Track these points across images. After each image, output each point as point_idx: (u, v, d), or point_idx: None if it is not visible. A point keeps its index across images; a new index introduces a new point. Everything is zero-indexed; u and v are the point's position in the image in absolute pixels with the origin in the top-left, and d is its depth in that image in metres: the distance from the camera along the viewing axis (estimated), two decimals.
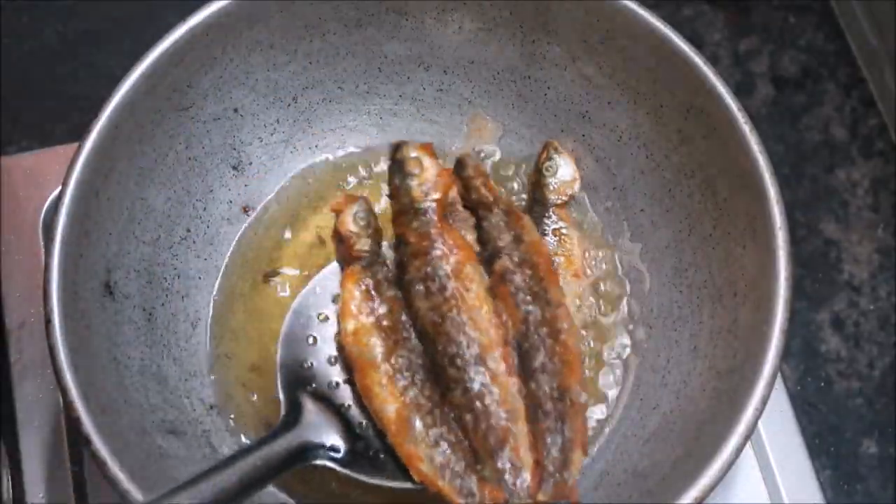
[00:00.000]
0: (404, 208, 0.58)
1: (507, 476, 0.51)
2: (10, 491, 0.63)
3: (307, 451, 0.54)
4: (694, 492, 0.50)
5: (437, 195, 0.58)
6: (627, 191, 0.66)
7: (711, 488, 0.50)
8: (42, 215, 0.70)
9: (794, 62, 0.80)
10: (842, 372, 0.70)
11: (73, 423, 0.51)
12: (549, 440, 0.53)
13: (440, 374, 0.54)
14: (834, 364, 0.70)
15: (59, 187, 0.56)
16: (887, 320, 0.71)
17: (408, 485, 0.54)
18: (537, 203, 0.66)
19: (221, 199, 0.66)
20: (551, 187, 0.65)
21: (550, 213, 0.65)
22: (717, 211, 0.60)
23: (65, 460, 0.63)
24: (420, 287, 0.55)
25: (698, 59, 0.59)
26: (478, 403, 0.53)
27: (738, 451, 0.51)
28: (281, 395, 0.56)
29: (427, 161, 0.59)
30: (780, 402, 0.66)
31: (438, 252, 0.56)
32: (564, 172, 0.65)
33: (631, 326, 0.63)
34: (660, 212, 0.64)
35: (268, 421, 0.60)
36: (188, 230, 0.64)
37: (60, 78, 0.79)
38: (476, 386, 0.53)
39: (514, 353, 0.54)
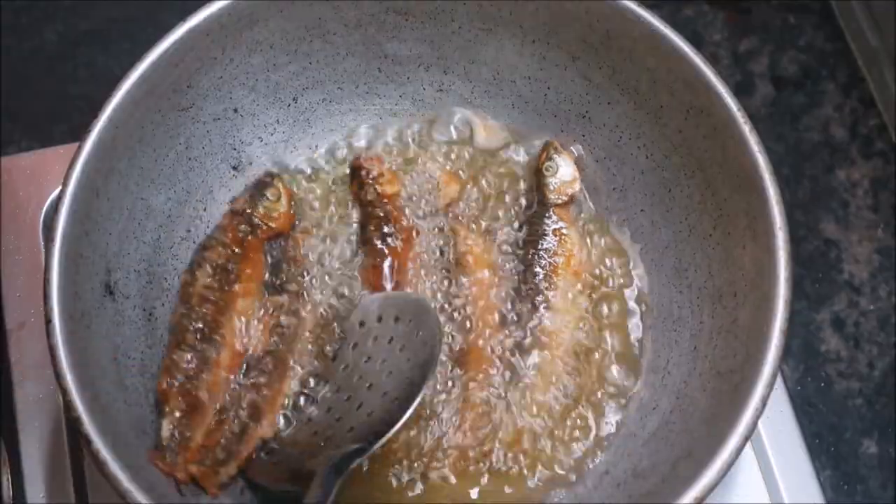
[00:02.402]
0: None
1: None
2: (11, 491, 0.63)
3: (340, 467, 0.54)
4: (694, 492, 0.50)
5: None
6: (627, 191, 0.66)
7: (711, 488, 0.50)
8: (42, 215, 0.70)
9: (793, 62, 0.80)
10: (842, 372, 0.70)
11: (73, 423, 0.51)
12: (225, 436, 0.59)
13: None
14: (834, 364, 0.70)
15: (59, 187, 0.56)
16: (887, 320, 0.71)
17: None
18: (537, 203, 0.66)
19: (221, 200, 0.66)
20: (551, 187, 0.65)
21: (550, 213, 0.65)
22: (717, 211, 0.60)
23: (65, 460, 0.63)
24: None
25: (698, 59, 0.59)
26: None
27: (738, 451, 0.51)
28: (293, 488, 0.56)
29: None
30: (780, 402, 0.66)
31: None
32: (564, 172, 0.65)
33: (630, 327, 0.63)
34: (660, 212, 0.64)
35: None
36: (188, 230, 0.64)
37: (60, 78, 0.79)
38: None
39: None
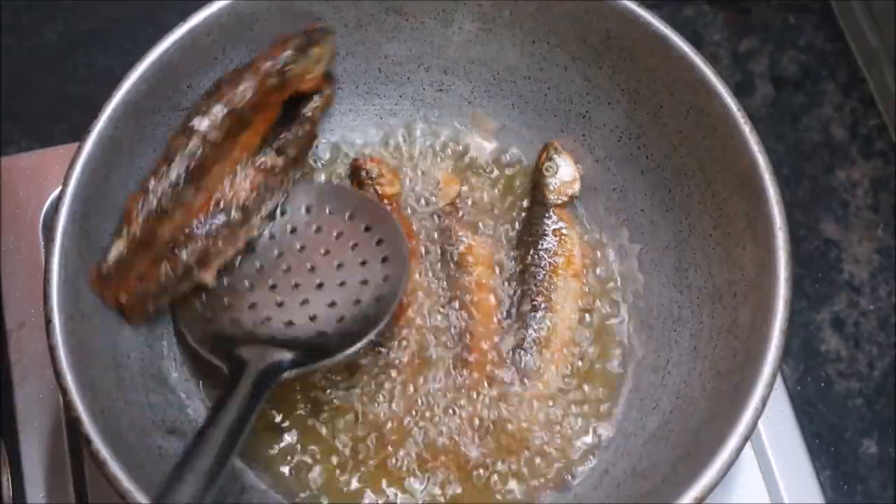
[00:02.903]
0: None
1: None
2: (10, 491, 0.63)
3: (269, 373, 0.55)
4: (694, 492, 0.50)
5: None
6: (627, 191, 0.66)
7: (711, 488, 0.50)
8: (42, 215, 0.69)
9: (793, 62, 0.80)
10: (842, 372, 0.70)
11: (73, 423, 0.51)
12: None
13: None
14: (834, 364, 0.70)
15: (59, 187, 0.56)
16: (887, 320, 0.71)
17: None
18: (537, 203, 0.66)
19: None
20: (551, 187, 0.65)
21: (550, 213, 0.65)
22: (717, 211, 0.60)
23: (65, 460, 0.63)
24: None
25: (698, 59, 0.59)
26: None
27: (738, 451, 0.51)
28: (218, 362, 0.57)
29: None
30: (780, 402, 0.66)
31: None
32: (564, 172, 0.65)
33: (631, 327, 0.64)
34: (660, 212, 0.64)
35: (267, 420, 0.60)
36: None
37: (60, 78, 0.79)
38: None
39: None
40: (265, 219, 0.61)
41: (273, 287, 0.60)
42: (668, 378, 0.60)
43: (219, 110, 0.59)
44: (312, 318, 0.58)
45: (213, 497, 0.49)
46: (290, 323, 0.58)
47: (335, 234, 0.62)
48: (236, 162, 0.60)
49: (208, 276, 0.59)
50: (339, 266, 0.60)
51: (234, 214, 0.60)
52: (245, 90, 0.59)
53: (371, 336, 0.58)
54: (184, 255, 0.58)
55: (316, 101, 0.63)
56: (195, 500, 0.48)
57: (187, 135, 0.59)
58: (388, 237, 0.61)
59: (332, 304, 0.59)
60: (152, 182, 0.58)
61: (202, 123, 0.59)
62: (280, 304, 0.59)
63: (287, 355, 0.56)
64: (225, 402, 0.52)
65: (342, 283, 0.60)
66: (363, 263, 0.60)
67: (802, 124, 0.78)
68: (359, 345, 0.57)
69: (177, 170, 0.58)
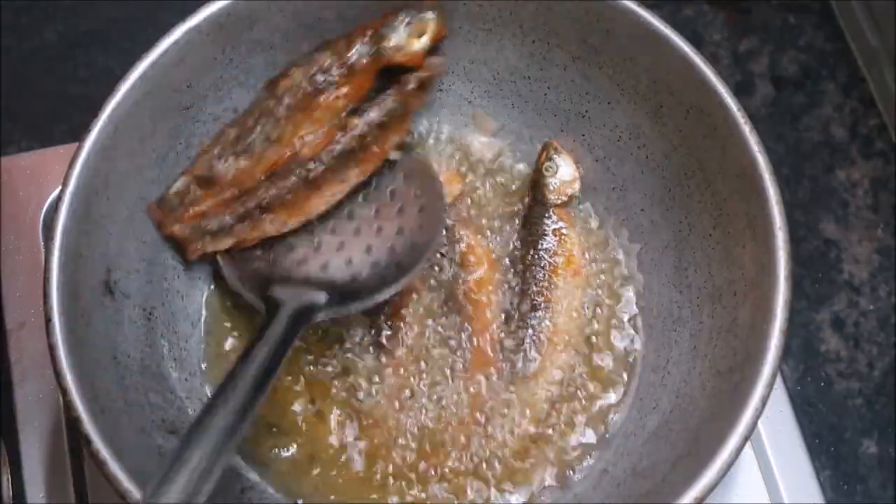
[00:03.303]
0: None
1: None
2: (10, 491, 0.63)
3: (304, 313, 0.57)
4: (694, 492, 0.50)
5: None
6: (627, 191, 0.66)
7: (711, 488, 0.50)
8: (42, 215, 0.70)
9: (793, 62, 0.80)
10: (842, 372, 0.70)
11: (73, 423, 0.51)
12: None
13: None
14: (834, 364, 0.70)
15: (59, 187, 0.56)
16: (887, 320, 0.71)
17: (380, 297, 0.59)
18: (537, 203, 0.66)
19: None
20: (551, 187, 0.65)
21: (550, 213, 0.65)
22: (717, 211, 0.60)
23: (65, 460, 0.63)
24: None
25: (698, 59, 0.59)
26: None
27: (738, 451, 0.51)
28: (255, 300, 0.59)
29: None
30: (780, 402, 0.66)
31: None
32: (564, 172, 0.66)
33: (630, 326, 0.64)
34: (660, 212, 0.64)
35: (267, 420, 0.60)
36: None
37: (60, 78, 0.79)
38: None
39: None
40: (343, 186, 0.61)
41: (311, 230, 0.61)
42: (668, 378, 0.60)
43: (302, 70, 0.61)
44: (348, 263, 0.60)
45: (244, 434, 0.50)
46: (325, 265, 0.60)
47: (374, 181, 0.63)
48: (316, 121, 0.61)
49: (274, 225, 0.60)
50: (377, 212, 0.62)
51: (306, 169, 0.60)
52: (333, 54, 0.61)
53: (403, 282, 0.59)
54: (249, 200, 0.59)
55: (413, 76, 0.62)
56: (226, 434, 0.48)
57: (269, 90, 0.61)
58: (426, 187, 0.63)
59: (368, 250, 0.60)
60: (230, 128, 0.60)
61: (286, 81, 0.61)
62: (317, 247, 0.61)
63: (321, 296, 0.58)
64: (260, 337, 0.54)
65: (379, 230, 0.61)
66: (400, 210, 0.62)
67: (802, 124, 0.78)
68: (390, 290, 0.59)
69: (251, 120, 0.60)
